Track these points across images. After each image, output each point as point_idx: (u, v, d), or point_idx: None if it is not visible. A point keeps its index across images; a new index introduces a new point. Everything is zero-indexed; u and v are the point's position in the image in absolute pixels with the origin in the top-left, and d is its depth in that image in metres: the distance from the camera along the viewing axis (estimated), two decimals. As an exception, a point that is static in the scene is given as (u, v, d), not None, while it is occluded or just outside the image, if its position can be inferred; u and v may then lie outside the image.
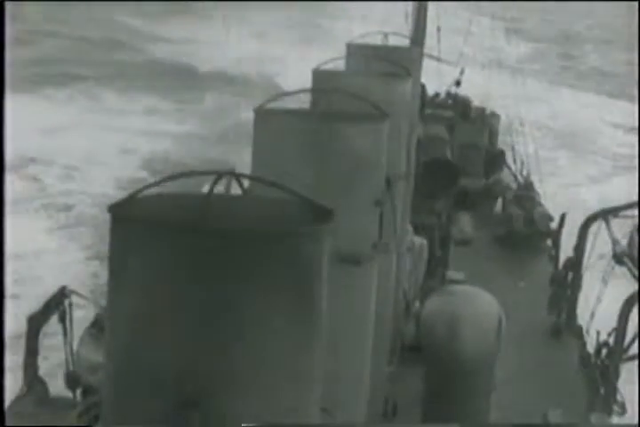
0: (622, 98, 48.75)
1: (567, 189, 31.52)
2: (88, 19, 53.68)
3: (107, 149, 32.02)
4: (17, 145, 25.87)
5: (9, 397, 9.62)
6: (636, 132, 39.52)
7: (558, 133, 41.48)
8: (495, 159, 22.73)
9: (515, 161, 23.69)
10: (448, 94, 24.13)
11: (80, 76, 42.10)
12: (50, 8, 53.94)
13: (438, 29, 23.56)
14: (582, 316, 14.91)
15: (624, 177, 34.68)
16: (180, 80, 43.39)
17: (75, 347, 10.50)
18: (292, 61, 42.86)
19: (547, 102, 44.24)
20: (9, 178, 23.96)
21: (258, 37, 53.30)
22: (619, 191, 30.77)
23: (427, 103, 21.84)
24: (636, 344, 12.77)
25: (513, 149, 24.14)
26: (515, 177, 22.66)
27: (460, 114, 22.95)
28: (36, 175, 29.50)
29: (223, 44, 49.62)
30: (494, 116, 23.90)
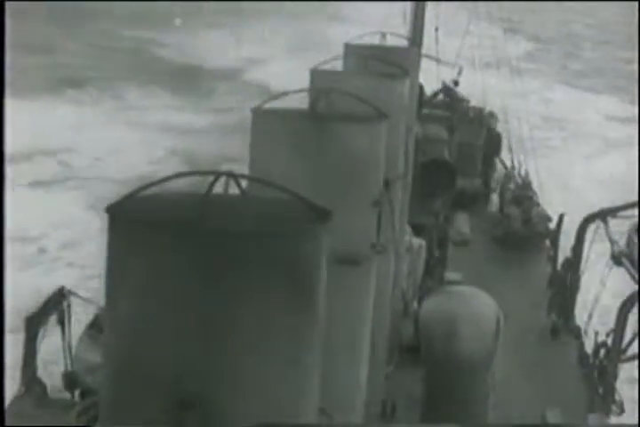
0: (619, 96, 49.45)
1: (563, 167, 33.45)
2: (98, 33, 58.12)
3: (130, 142, 35.77)
4: (45, 139, 32.83)
5: (8, 397, 9.64)
6: (627, 123, 40.67)
7: (553, 120, 42.93)
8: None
9: (512, 161, 23.68)
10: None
11: (98, 79, 45.99)
12: (58, 23, 58.28)
13: (436, 30, 23.55)
14: (581, 316, 14.91)
15: (619, 153, 35.97)
16: (188, 80, 47.35)
17: (73, 347, 10.51)
18: (285, 64, 45.42)
19: (544, 98, 45.41)
20: (46, 163, 31.97)
21: (258, 43, 56.15)
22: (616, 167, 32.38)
23: (424, 104, 21.85)
24: (635, 344, 12.77)
25: (511, 150, 24.12)
26: (512, 177, 22.66)
27: (459, 114, 22.95)
28: (68, 162, 33.78)
29: (226, 49, 53.82)
30: (492, 116, 23.89)
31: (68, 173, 32.58)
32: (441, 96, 23.84)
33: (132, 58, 52.04)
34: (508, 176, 22.23)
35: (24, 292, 17.27)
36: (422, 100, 20.98)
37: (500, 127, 24.03)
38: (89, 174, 32.21)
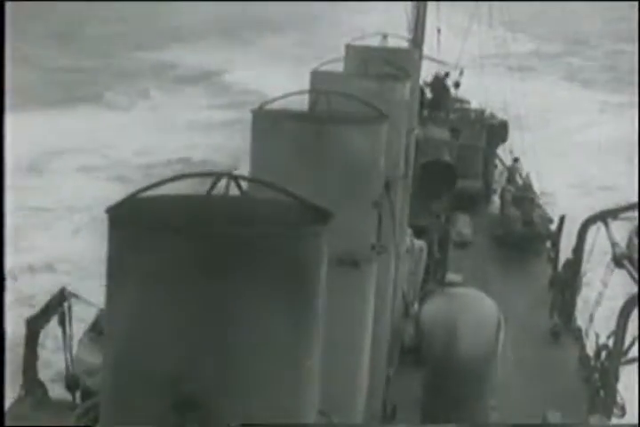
0: (619, 93, 50.39)
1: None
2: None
3: (158, 136, 41.55)
4: (87, 137, 39.48)
5: (9, 399, 9.64)
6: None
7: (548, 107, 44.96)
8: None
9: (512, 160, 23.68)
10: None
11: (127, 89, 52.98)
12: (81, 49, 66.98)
13: (438, 31, 23.56)
14: (582, 318, 14.91)
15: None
16: (204, 84, 55.91)
17: (74, 350, 10.51)
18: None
19: (542, 92, 46.89)
20: (89, 155, 37.84)
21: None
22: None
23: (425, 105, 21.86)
24: (635, 347, 12.75)
25: (511, 151, 24.12)
26: (514, 177, 22.66)
27: (458, 114, 22.98)
28: (108, 154, 39.20)
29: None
30: (493, 117, 23.89)
31: (108, 162, 37.93)
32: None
33: (150, 69, 59.40)
34: (512, 174, 22.26)
35: (79, 251, 22.80)
36: (423, 101, 20.99)
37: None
38: (127, 163, 37.55)
